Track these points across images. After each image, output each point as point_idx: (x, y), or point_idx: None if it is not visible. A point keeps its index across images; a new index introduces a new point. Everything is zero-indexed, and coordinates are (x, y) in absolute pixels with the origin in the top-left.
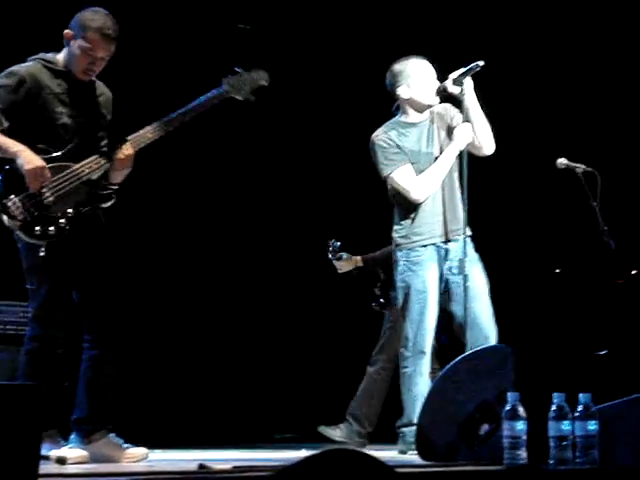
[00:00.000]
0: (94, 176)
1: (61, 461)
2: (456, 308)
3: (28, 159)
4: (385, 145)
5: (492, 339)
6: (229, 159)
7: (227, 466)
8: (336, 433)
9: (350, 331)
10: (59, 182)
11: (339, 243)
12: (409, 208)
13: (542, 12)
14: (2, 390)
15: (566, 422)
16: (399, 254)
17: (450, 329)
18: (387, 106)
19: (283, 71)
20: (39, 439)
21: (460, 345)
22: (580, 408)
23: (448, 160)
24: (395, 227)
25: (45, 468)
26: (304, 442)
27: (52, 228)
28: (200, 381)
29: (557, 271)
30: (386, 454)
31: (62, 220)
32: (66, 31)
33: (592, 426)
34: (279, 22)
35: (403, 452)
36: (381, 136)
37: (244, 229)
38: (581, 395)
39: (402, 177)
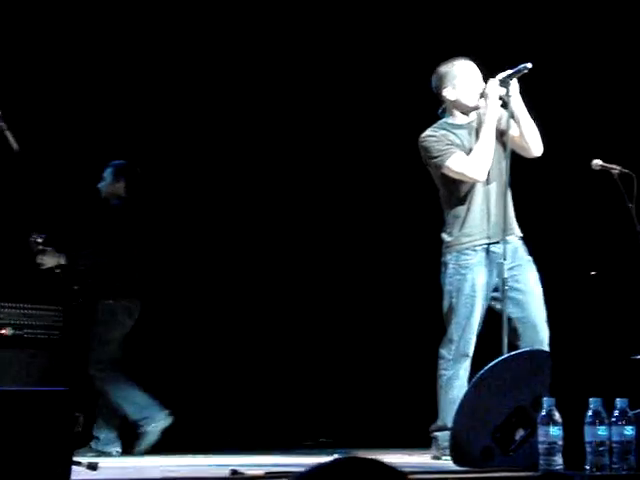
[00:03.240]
0: None
1: (92, 467)
2: (510, 310)
3: None
4: (435, 139)
5: (546, 342)
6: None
7: (259, 472)
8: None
9: (373, 335)
10: None
11: (43, 236)
12: (458, 210)
13: (580, 14)
14: (35, 396)
15: (603, 427)
16: (449, 257)
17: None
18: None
19: (327, 74)
20: (71, 445)
21: (496, 348)
22: (617, 413)
23: (491, 128)
24: (445, 229)
25: (77, 474)
26: (336, 447)
27: None
28: (231, 386)
29: (592, 273)
30: (419, 459)
31: None
32: None
33: (629, 431)
34: (325, 23)
35: (437, 457)
36: (430, 133)
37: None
38: (618, 400)
39: (457, 163)
